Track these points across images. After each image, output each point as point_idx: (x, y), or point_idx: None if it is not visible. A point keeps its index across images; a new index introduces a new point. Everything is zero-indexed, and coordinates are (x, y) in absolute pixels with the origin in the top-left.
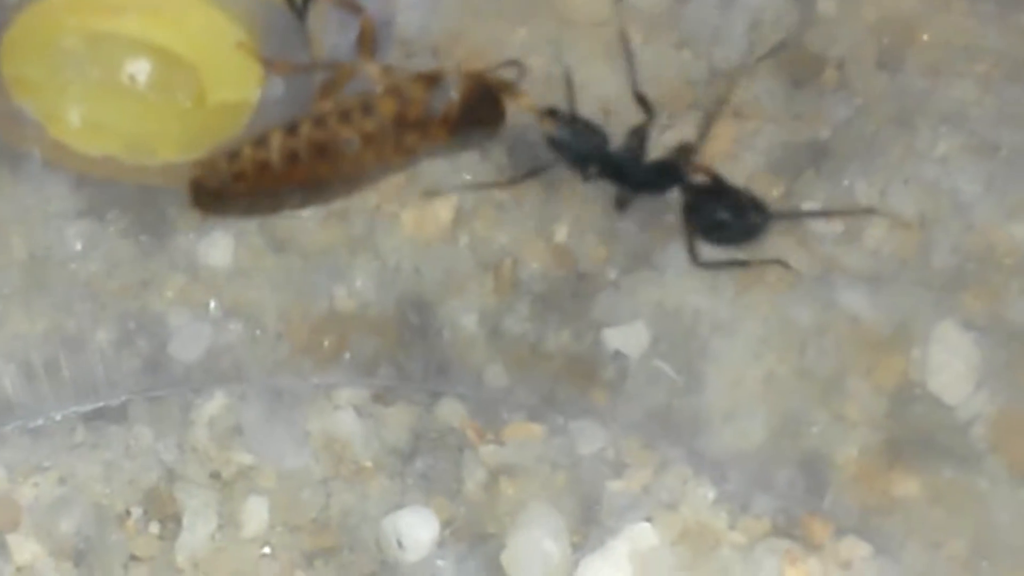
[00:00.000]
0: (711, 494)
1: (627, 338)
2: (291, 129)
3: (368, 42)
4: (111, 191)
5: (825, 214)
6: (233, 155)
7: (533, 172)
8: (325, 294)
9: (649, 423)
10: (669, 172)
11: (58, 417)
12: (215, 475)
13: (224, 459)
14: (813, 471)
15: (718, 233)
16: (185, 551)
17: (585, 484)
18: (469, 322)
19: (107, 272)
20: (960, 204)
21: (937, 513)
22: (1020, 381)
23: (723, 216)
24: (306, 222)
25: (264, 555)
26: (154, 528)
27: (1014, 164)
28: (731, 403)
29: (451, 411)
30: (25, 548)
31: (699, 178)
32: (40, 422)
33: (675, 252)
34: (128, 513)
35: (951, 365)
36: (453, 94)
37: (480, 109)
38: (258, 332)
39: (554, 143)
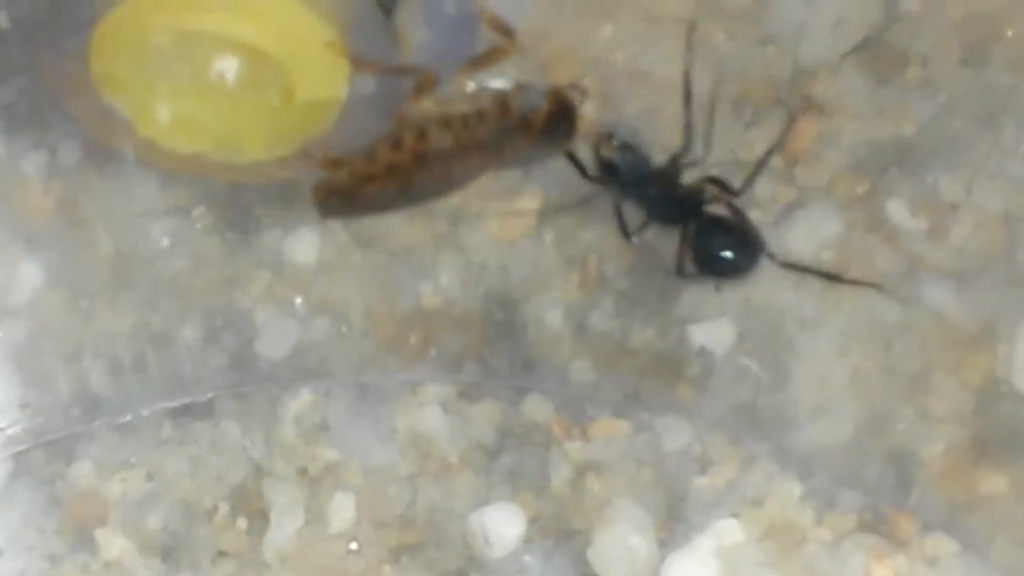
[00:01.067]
0: (797, 490)
1: (713, 335)
2: (420, 134)
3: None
4: (197, 188)
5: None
6: (369, 157)
7: (588, 199)
8: (411, 291)
9: (735, 419)
10: (690, 206)
11: (145, 413)
12: (302, 471)
13: (311, 455)
14: (900, 467)
15: (714, 265)
16: (272, 547)
17: (671, 480)
18: (554, 318)
19: (193, 269)
20: None
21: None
22: None
23: (727, 254)
24: (392, 219)
25: (351, 551)
26: (241, 524)
27: None
28: (817, 399)
29: (537, 407)
30: (113, 543)
31: (714, 210)
32: (128, 418)
33: None
34: (216, 509)
35: None
36: (541, 105)
37: (559, 123)
38: (344, 329)
39: (607, 167)
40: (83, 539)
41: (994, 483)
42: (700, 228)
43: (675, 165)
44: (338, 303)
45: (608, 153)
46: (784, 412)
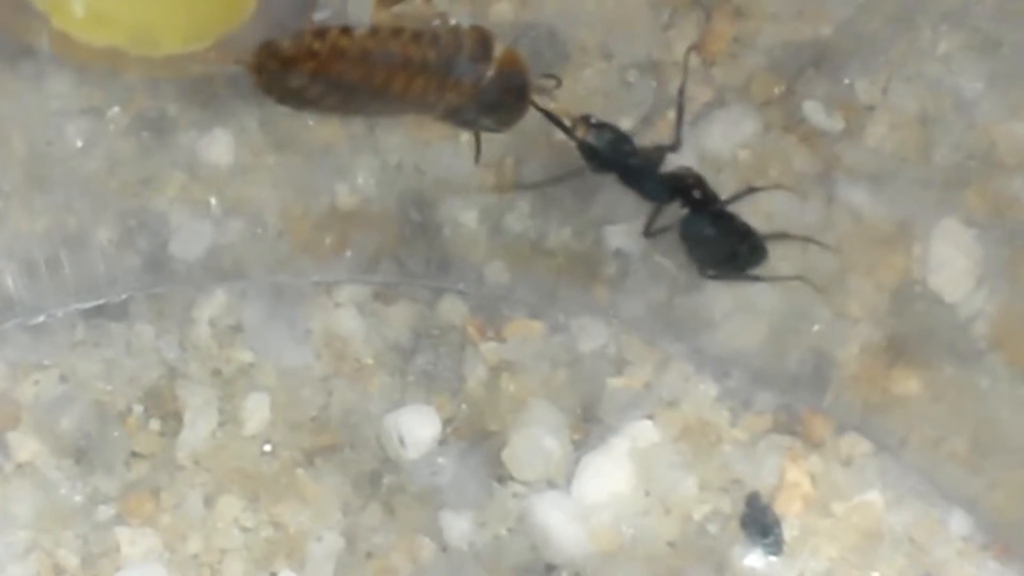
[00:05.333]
0: (713, 391)
1: (628, 235)
2: (373, 31)
3: None
4: (112, 88)
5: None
6: (320, 32)
7: (560, 178)
8: (326, 191)
9: (651, 320)
10: (676, 187)
11: (59, 315)
12: (216, 372)
13: (225, 357)
14: (815, 368)
15: (703, 250)
16: (186, 448)
17: (586, 381)
18: (470, 219)
19: (108, 170)
20: (962, 102)
21: (938, 410)
22: (1021, 278)
23: (710, 234)
24: (307, 120)
25: (265, 452)
26: (155, 425)
27: (1016, 61)
28: (733, 300)
29: (452, 308)
30: (26, 446)
31: (700, 196)
32: (41, 320)
33: None
34: (129, 410)
35: (952, 262)
36: (492, 61)
37: (507, 91)
38: (259, 230)
39: (585, 149)
40: None
41: (908, 384)
42: (692, 215)
43: (661, 152)
44: (253, 204)
45: (587, 136)
46: (700, 313)
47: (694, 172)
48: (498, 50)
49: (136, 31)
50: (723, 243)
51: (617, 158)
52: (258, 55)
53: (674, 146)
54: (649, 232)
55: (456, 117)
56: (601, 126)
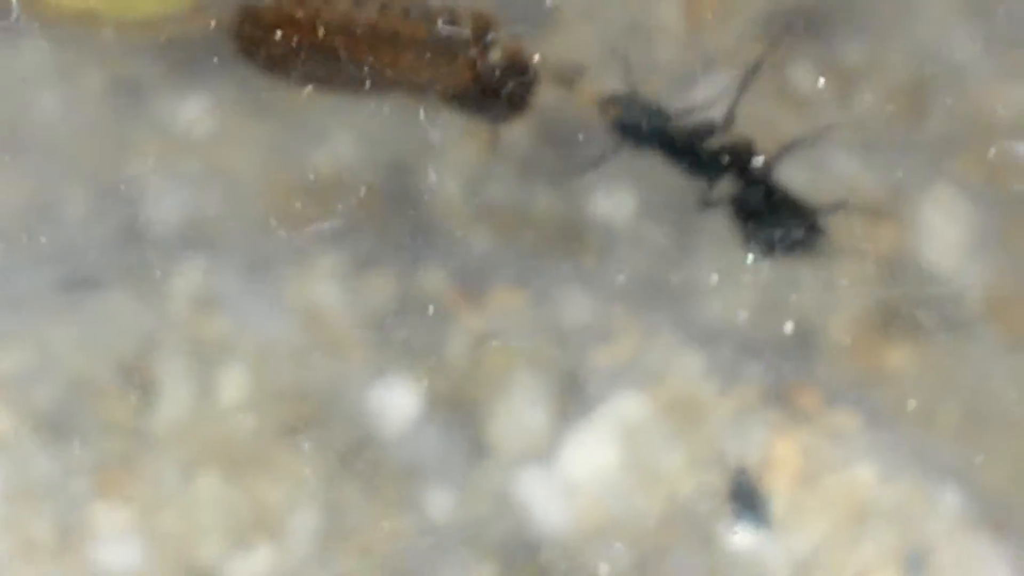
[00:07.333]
0: (700, 362)
1: (615, 203)
2: (358, 2)
3: None
4: (86, 52)
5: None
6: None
7: (600, 161)
8: (305, 159)
9: (637, 289)
10: (728, 161)
11: (35, 285)
12: (193, 343)
13: (202, 327)
14: (804, 339)
15: (757, 224)
16: (163, 420)
17: (570, 352)
18: (452, 186)
19: (82, 136)
20: (955, 67)
21: (930, 381)
22: (1015, 246)
23: (765, 208)
24: (286, 85)
25: (243, 425)
26: (132, 397)
27: (1011, 25)
28: (721, 269)
29: (434, 277)
30: (1, 418)
31: (756, 171)
32: (17, 290)
33: None
34: (105, 382)
35: (945, 231)
36: (494, 52)
37: (509, 81)
38: (236, 197)
39: (619, 128)
40: None
41: (899, 355)
42: (745, 189)
43: (709, 128)
44: (231, 171)
45: (615, 116)
46: (687, 282)
47: (748, 140)
48: (502, 40)
49: None
50: (780, 218)
51: (657, 135)
52: (238, 20)
53: (726, 121)
54: (706, 204)
55: (456, 103)
56: (633, 103)
